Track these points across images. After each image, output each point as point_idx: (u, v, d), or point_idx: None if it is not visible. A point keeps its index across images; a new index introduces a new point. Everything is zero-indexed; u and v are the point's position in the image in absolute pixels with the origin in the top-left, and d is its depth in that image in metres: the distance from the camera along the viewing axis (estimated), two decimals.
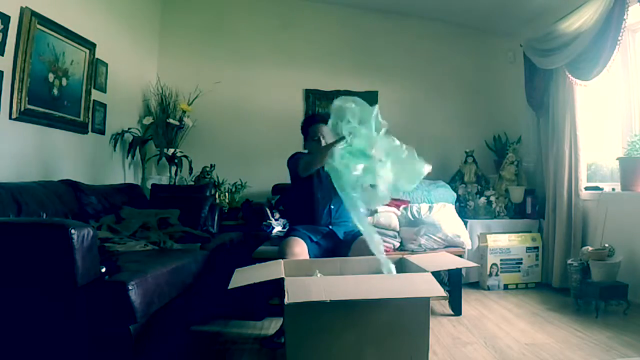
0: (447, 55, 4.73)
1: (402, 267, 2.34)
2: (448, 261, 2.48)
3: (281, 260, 2.25)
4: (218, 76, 4.40)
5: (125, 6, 3.93)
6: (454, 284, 2.93)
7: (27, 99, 2.70)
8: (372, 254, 2.43)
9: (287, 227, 2.95)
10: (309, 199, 2.66)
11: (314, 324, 1.77)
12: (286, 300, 1.66)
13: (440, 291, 1.78)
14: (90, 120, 3.39)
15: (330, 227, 2.62)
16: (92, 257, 1.80)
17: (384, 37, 4.67)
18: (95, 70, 3.43)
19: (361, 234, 2.67)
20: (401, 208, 3.51)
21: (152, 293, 1.91)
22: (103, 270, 1.84)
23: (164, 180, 4.22)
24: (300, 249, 2.39)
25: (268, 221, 3.40)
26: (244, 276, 2.06)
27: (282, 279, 1.91)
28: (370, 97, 4.63)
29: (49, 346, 1.77)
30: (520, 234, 3.76)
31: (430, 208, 3.46)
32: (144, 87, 4.31)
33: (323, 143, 2.58)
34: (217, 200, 4.02)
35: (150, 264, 2.10)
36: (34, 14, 2.70)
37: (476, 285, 3.65)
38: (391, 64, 4.67)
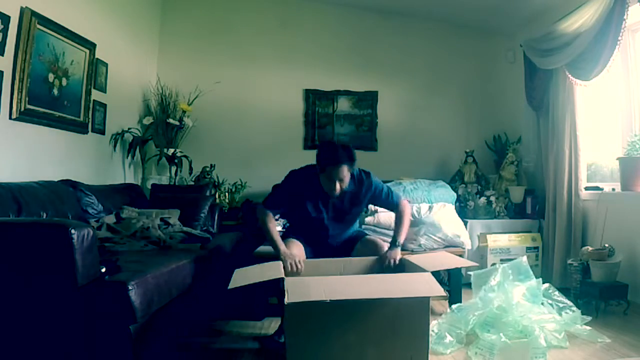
0: (447, 55, 4.73)
1: (402, 267, 2.34)
2: (448, 261, 2.48)
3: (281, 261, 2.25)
4: (218, 76, 4.40)
5: (125, 6, 3.93)
6: (454, 283, 2.92)
7: (27, 99, 2.69)
8: (375, 255, 2.43)
9: (286, 228, 2.90)
10: (305, 218, 2.52)
11: (314, 324, 1.77)
12: (286, 300, 1.66)
13: (440, 291, 1.78)
14: (90, 120, 3.39)
15: (328, 240, 2.57)
16: (92, 257, 1.80)
17: (384, 37, 4.67)
18: (95, 70, 3.43)
19: (364, 235, 2.65)
20: None
21: (152, 293, 1.91)
22: (103, 270, 1.84)
23: (164, 180, 4.22)
24: (298, 250, 2.39)
25: None
26: (243, 276, 2.06)
27: (282, 279, 1.92)
28: (370, 97, 4.64)
29: (49, 346, 1.77)
30: (520, 234, 3.76)
31: (430, 208, 3.45)
32: (144, 87, 4.31)
33: (338, 187, 2.31)
34: (217, 200, 4.02)
35: (150, 264, 2.10)
36: (34, 14, 2.70)
37: None
38: (391, 64, 4.68)
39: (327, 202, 2.47)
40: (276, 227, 2.45)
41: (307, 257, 2.42)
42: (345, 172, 2.31)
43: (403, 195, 3.75)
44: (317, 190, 2.42)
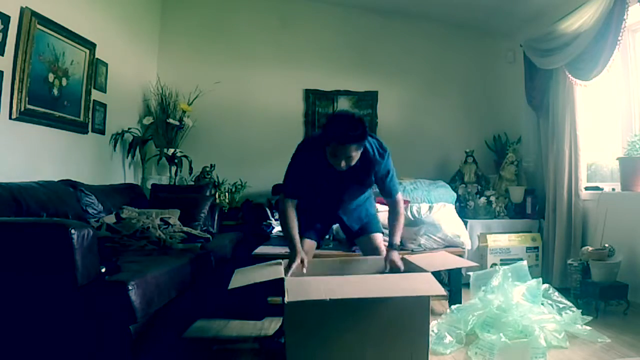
0: (447, 55, 4.73)
1: None
2: (448, 261, 2.48)
3: (281, 260, 2.25)
4: (218, 76, 4.40)
5: (125, 6, 3.93)
6: (454, 284, 2.93)
7: (27, 99, 2.70)
8: (377, 252, 2.43)
9: None
10: (311, 204, 2.45)
11: (314, 323, 1.77)
12: (286, 299, 1.66)
13: (440, 290, 1.78)
14: (90, 120, 3.39)
15: (339, 212, 2.50)
16: (92, 257, 1.80)
17: (384, 37, 4.67)
18: (95, 70, 3.43)
19: (373, 229, 2.61)
20: None
21: (152, 293, 1.91)
22: (103, 270, 1.84)
23: (164, 180, 4.22)
24: (308, 247, 2.39)
25: (268, 221, 3.40)
26: (243, 276, 2.06)
27: (282, 279, 1.92)
28: (370, 97, 4.64)
29: (49, 346, 1.77)
30: (520, 234, 3.76)
31: (430, 208, 3.45)
32: (144, 87, 4.31)
33: (343, 163, 2.14)
34: (217, 200, 4.03)
35: (150, 264, 2.11)
36: (34, 14, 2.70)
37: None
38: (391, 64, 4.67)
39: (335, 174, 2.25)
40: (296, 221, 2.28)
41: (317, 233, 2.46)
42: (352, 153, 2.12)
43: (403, 194, 3.76)
44: (325, 164, 2.24)
